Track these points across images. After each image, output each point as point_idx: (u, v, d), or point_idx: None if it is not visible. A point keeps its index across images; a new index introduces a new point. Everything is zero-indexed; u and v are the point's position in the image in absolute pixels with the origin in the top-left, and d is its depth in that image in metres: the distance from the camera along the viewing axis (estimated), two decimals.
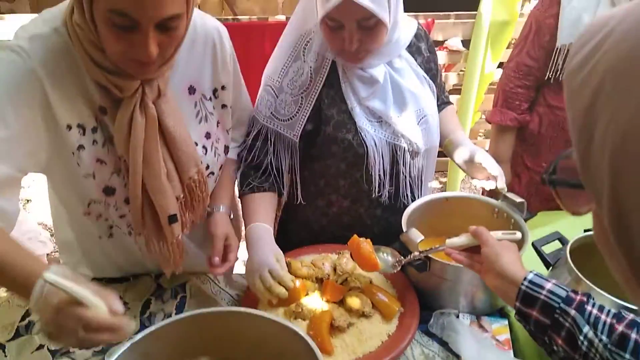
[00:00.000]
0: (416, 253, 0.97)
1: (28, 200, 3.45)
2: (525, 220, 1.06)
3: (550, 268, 1.00)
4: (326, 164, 1.17)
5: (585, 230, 0.98)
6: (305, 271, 1.04)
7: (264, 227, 1.07)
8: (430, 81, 1.21)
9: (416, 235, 0.99)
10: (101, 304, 0.70)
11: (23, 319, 1.05)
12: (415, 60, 1.18)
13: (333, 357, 0.90)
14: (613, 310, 0.69)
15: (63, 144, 0.89)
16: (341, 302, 0.99)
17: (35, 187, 3.51)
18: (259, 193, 1.14)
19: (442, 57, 2.87)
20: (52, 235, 2.68)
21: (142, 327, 1.04)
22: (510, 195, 1.09)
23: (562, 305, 0.69)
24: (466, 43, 2.67)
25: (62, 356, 0.96)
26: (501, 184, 1.09)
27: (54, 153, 0.89)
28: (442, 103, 1.31)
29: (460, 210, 1.17)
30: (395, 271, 0.99)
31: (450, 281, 0.99)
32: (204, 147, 1.05)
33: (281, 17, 3.19)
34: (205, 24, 1.01)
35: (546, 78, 1.45)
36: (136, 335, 0.77)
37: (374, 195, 1.17)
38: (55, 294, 0.69)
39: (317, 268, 1.07)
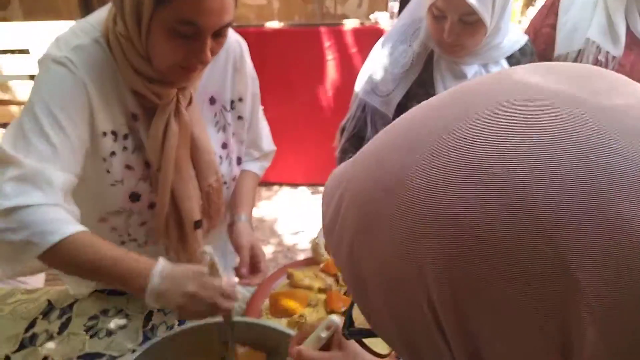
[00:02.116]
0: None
1: None
2: None
3: None
4: None
5: None
6: (308, 282, 1.05)
7: None
8: None
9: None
10: (223, 277, 0.81)
11: (27, 331, 1.05)
12: None
13: None
14: None
15: (96, 150, 0.91)
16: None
17: None
18: None
19: None
20: None
21: (145, 338, 1.04)
22: None
23: None
24: None
25: None
26: None
27: (88, 159, 0.91)
28: None
29: None
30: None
31: None
32: (220, 156, 1.08)
33: (277, 24, 3.20)
34: (228, 36, 1.03)
35: None
36: (141, 347, 0.78)
37: None
38: (187, 269, 0.80)
39: (319, 279, 1.08)
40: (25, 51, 2.92)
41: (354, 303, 0.43)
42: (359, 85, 1.26)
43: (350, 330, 0.41)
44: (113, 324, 1.08)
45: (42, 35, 2.85)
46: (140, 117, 0.93)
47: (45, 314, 1.10)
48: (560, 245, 0.22)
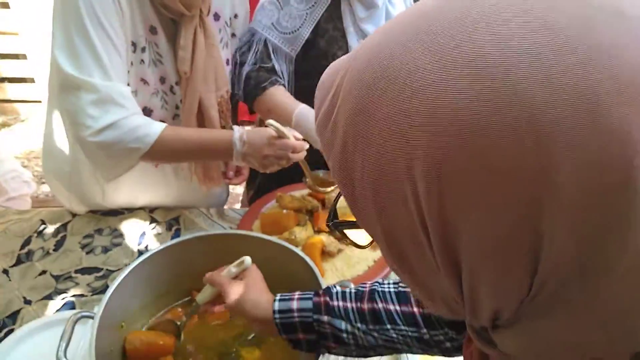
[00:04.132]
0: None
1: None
2: None
3: None
4: (314, 83, 1.19)
5: None
6: (297, 204, 1.10)
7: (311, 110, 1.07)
8: None
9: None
10: (291, 135, 0.98)
11: (22, 247, 1.09)
12: None
13: (324, 279, 0.98)
14: (352, 289, 0.68)
15: None
16: (330, 232, 1.06)
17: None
18: (280, 86, 1.14)
19: None
20: (34, 175, 2.63)
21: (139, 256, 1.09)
22: None
23: (314, 316, 0.66)
24: None
25: (65, 280, 1.01)
26: None
27: None
28: None
29: None
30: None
31: None
32: None
33: None
34: None
35: None
36: (136, 260, 0.82)
37: None
38: (262, 136, 0.96)
39: (307, 201, 1.13)
40: (5, 5, 2.76)
41: (339, 197, 0.45)
42: (257, 21, 1.14)
43: (334, 222, 0.43)
44: (108, 241, 1.12)
45: None
46: (158, 30, 0.95)
47: (40, 232, 1.13)
48: (549, 146, 0.22)
